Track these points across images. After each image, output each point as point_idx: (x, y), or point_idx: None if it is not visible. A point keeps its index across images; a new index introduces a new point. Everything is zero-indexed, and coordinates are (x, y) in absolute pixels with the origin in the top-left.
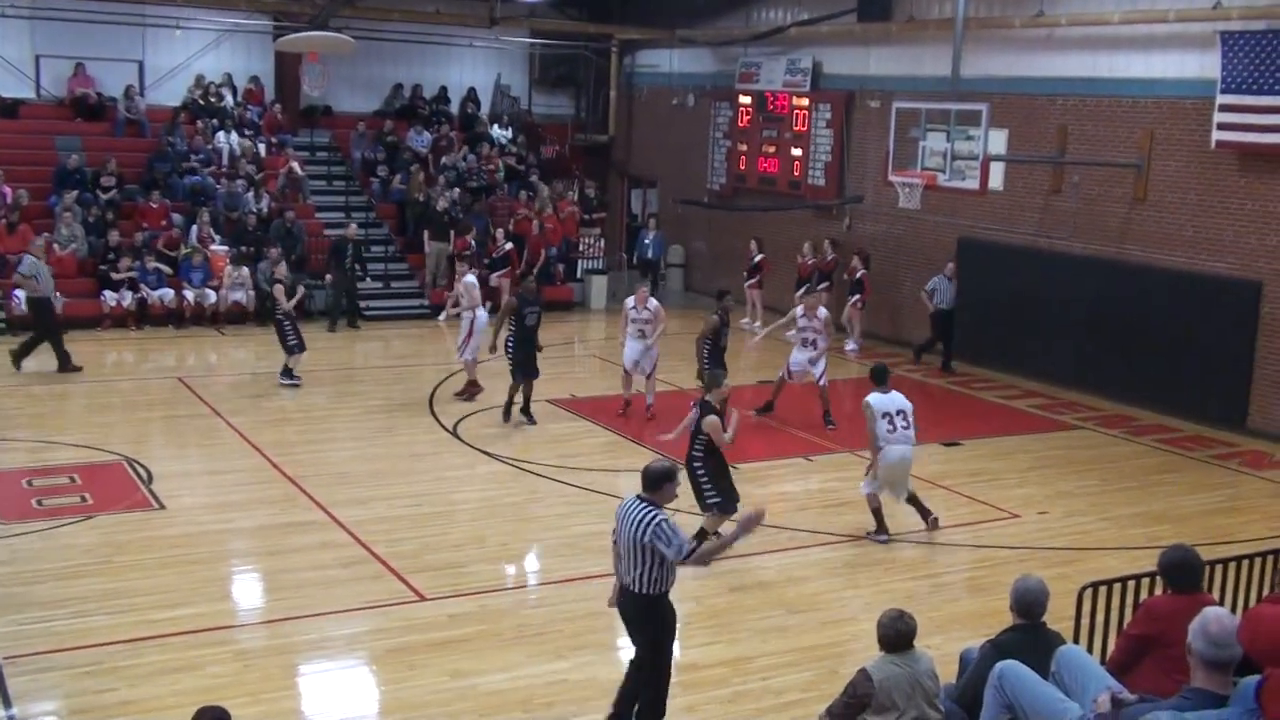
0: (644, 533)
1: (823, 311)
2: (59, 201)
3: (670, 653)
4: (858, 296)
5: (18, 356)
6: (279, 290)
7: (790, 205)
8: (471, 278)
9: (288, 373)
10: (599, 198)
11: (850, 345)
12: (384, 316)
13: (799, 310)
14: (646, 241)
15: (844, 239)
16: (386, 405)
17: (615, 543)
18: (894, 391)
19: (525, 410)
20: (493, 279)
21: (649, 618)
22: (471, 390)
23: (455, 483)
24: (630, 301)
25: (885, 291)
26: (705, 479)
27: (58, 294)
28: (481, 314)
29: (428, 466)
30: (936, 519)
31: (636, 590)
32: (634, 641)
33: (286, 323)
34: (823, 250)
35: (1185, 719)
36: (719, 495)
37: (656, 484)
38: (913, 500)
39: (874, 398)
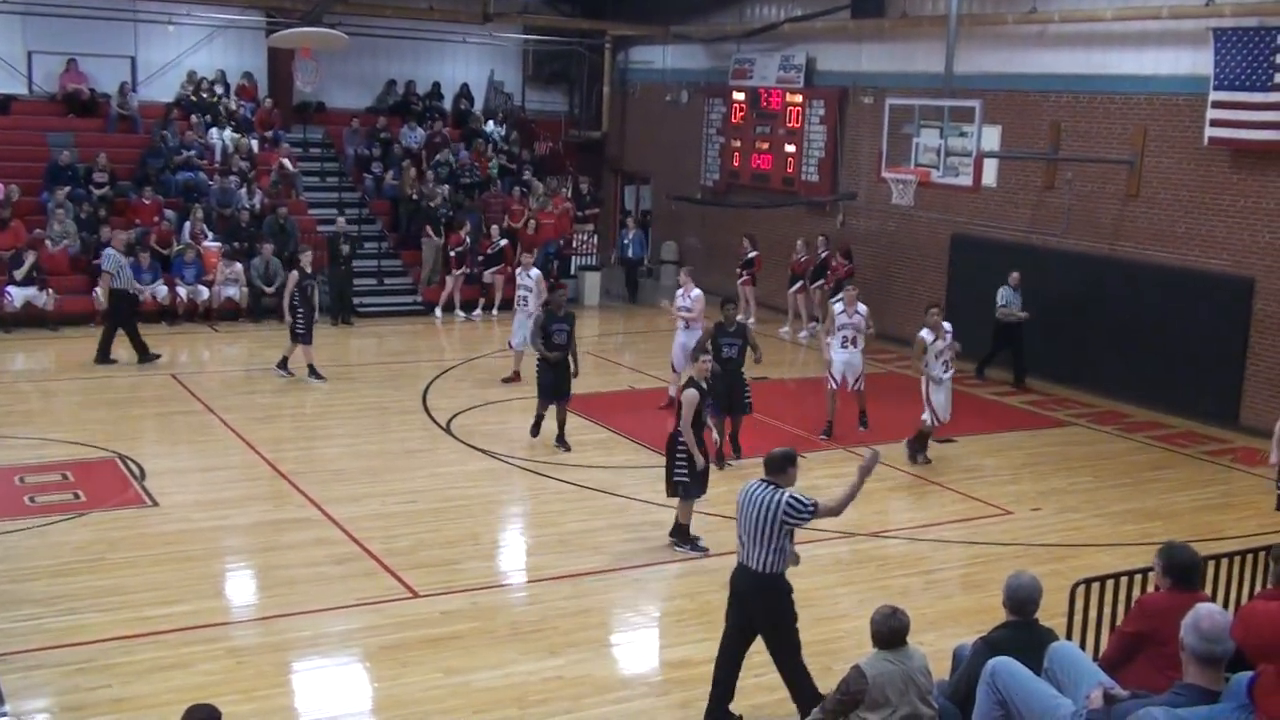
0: (773, 512)
1: (862, 306)
2: (51, 198)
3: (797, 632)
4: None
5: (101, 352)
6: (291, 278)
7: (784, 202)
8: (536, 271)
9: (284, 363)
10: (592, 194)
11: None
12: (377, 313)
13: (838, 307)
14: (626, 240)
15: (834, 235)
16: (380, 402)
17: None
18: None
19: (560, 439)
20: (486, 275)
21: (767, 597)
22: (513, 380)
23: (449, 479)
24: (679, 292)
25: (877, 287)
26: (682, 456)
27: (137, 287)
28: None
29: (421, 463)
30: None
31: (757, 569)
32: (736, 624)
33: (300, 311)
34: (815, 247)
35: (1178, 715)
36: (689, 476)
37: (780, 467)
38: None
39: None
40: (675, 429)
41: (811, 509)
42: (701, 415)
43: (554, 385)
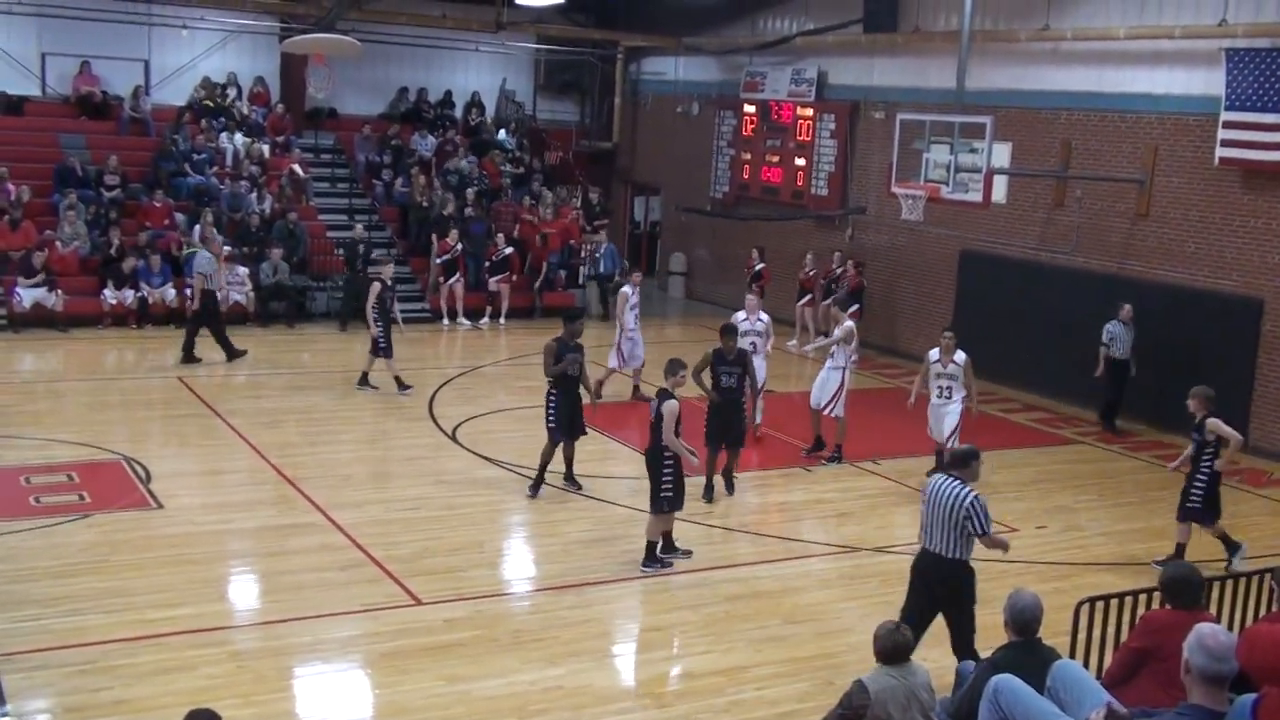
0: (957, 510)
1: (765, 316)
2: (62, 199)
3: (974, 615)
4: (856, 306)
5: (186, 351)
6: (374, 288)
7: (793, 215)
8: (627, 288)
9: (364, 379)
10: (602, 204)
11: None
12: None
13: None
14: (598, 254)
15: (845, 249)
16: (386, 408)
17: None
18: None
19: (568, 476)
20: (491, 284)
21: (952, 580)
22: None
23: (454, 487)
24: (740, 315)
25: (885, 302)
26: (669, 469)
27: (223, 288)
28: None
29: (426, 470)
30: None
31: (944, 555)
32: (915, 606)
33: (380, 324)
34: (825, 260)
35: None
36: (673, 490)
37: (965, 462)
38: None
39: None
40: (653, 443)
41: (983, 526)
42: (677, 426)
43: (569, 422)
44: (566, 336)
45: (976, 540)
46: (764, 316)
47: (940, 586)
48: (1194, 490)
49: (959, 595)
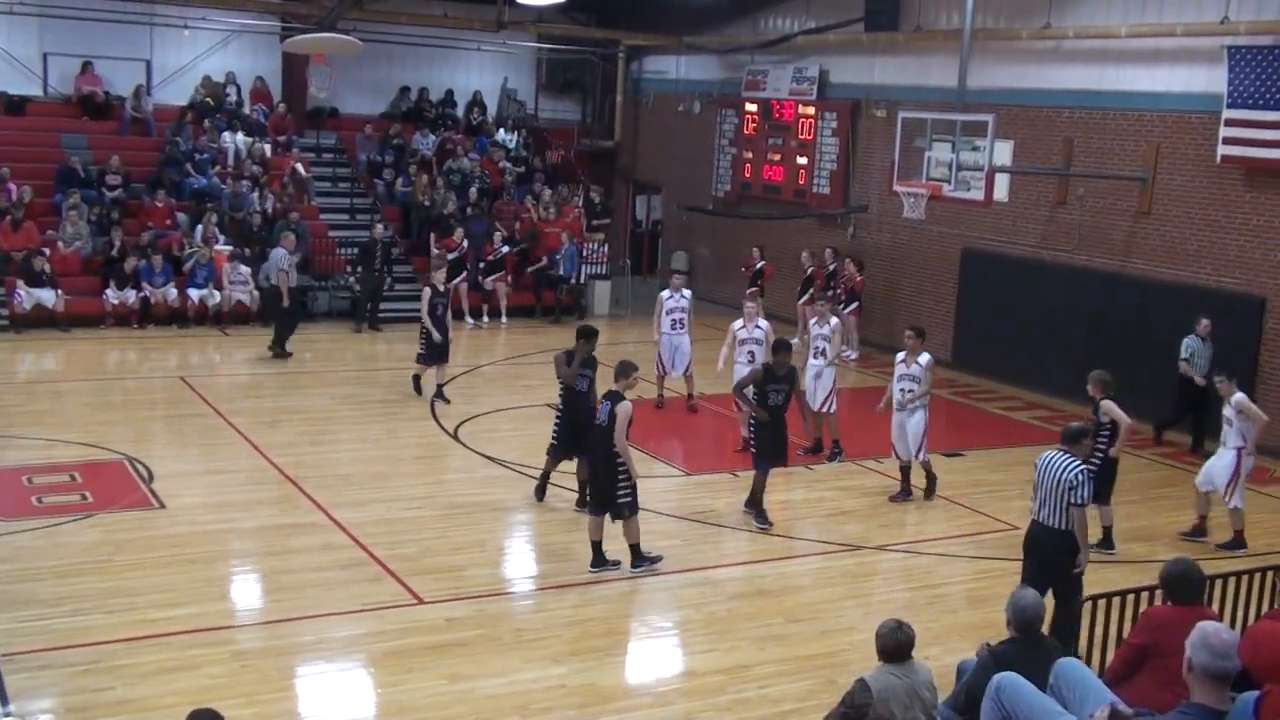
0: (1063, 484)
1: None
2: (64, 200)
3: (1081, 588)
4: (855, 304)
5: (280, 344)
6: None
7: (795, 214)
8: (689, 292)
9: (420, 386)
10: (604, 203)
11: (849, 353)
12: (387, 319)
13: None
14: (557, 256)
15: (844, 247)
16: (388, 407)
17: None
18: None
19: (581, 501)
20: (488, 282)
21: (1061, 550)
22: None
23: (456, 486)
24: (738, 323)
25: (886, 300)
26: (623, 474)
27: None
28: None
29: (428, 469)
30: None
31: (1052, 525)
32: (1031, 578)
33: (436, 328)
34: (821, 258)
35: None
36: (631, 495)
37: (1076, 439)
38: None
39: None
40: (602, 448)
41: (1083, 496)
42: (624, 429)
43: (570, 439)
44: (578, 354)
45: (1073, 515)
46: (763, 323)
47: (1050, 557)
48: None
49: (1067, 563)
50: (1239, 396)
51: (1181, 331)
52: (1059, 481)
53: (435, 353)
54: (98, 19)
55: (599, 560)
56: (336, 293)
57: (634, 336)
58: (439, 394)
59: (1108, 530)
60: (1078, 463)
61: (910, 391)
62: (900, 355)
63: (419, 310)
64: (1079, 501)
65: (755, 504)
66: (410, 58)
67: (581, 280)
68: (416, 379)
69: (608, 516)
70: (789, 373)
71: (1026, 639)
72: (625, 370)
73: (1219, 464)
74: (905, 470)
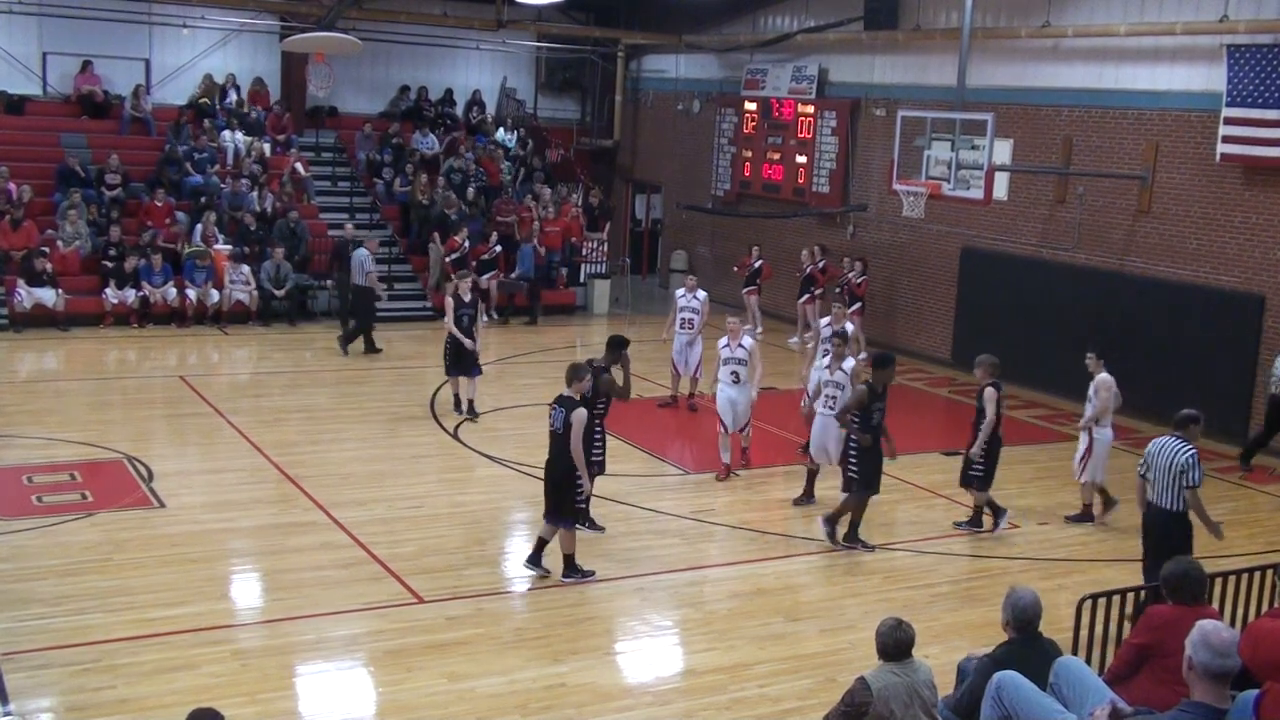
0: (1176, 463)
1: (702, 292)
2: (64, 199)
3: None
4: (858, 305)
5: (368, 345)
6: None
7: (794, 212)
8: (704, 293)
9: (470, 408)
10: (603, 203)
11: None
12: (387, 318)
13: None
14: (516, 255)
15: (843, 247)
16: (388, 406)
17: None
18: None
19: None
20: (483, 281)
21: (1175, 530)
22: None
23: (455, 485)
24: (722, 340)
25: (885, 299)
26: (578, 480)
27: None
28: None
29: (428, 468)
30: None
31: (1165, 507)
32: (1146, 552)
33: (448, 344)
34: (814, 256)
35: None
36: (584, 502)
37: (1186, 424)
38: None
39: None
40: (557, 454)
41: (1196, 478)
42: (580, 432)
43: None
44: (598, 383)
45: (1187, 499)
46: (746, 342)
47: (1166, 539)
48: (975, 461)
49: (1181, 543)
50: (1104, 376)
51: (1182, 331)
52: (1171, 465)
53: (463, 363)
54: (97, 18)
55: (535, 559)
56: (335, 292)
57: (632, 336)
58: (469, 408)
59: (978, 510)
60: (1189, 447)
61: (834, 400)
62: (825, 359)
63: (416, 310)
64: (1191, 484)
65: (854, 533)
66: (409, 57)
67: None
68: (457, 399)
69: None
70: (885, 390)
71: (1025, 638)
72: (578, 374)
73: (1080, 451)
74: (814, 475)
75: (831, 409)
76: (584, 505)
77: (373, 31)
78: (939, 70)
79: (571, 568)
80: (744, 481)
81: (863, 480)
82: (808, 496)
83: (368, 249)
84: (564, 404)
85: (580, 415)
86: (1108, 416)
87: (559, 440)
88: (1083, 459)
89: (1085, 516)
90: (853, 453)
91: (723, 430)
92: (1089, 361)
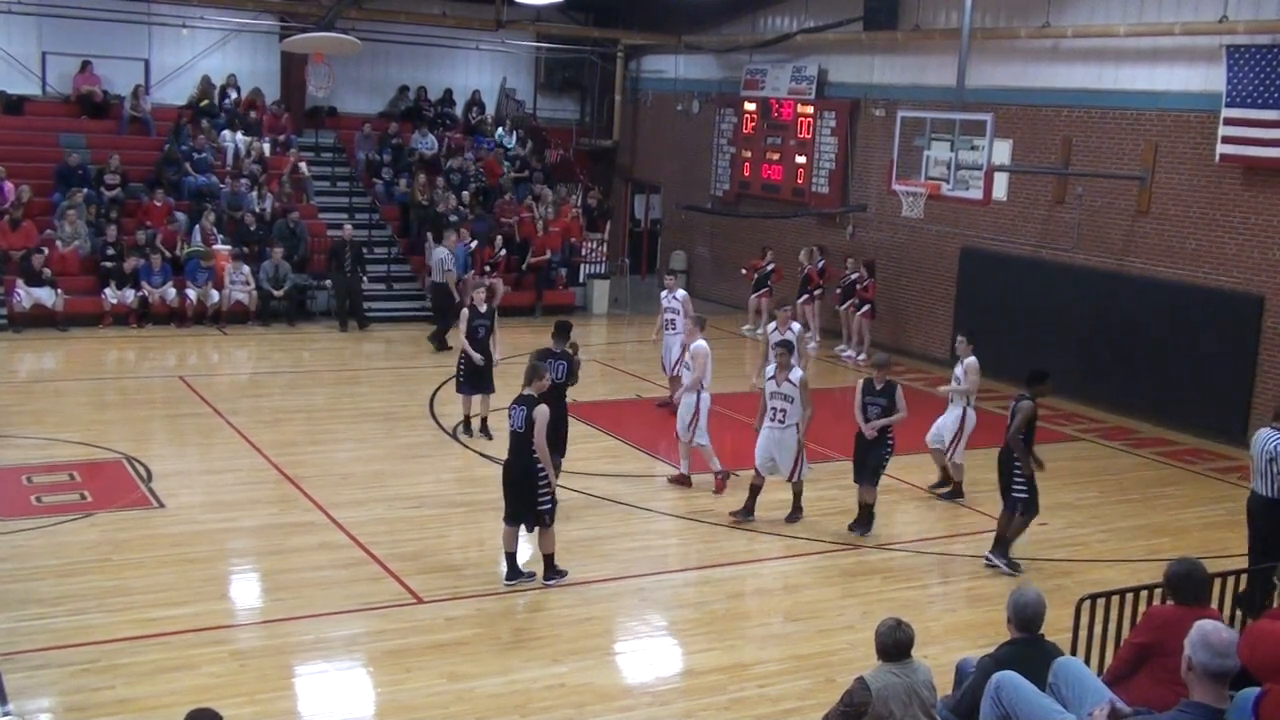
0: (1269, 448)
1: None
2: (63, 199)
3: None
4: (866, 308)
5: (439, 343)
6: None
7: (794, 213)
8: (683, 291)
9: (480, 424)
10: (602, 203)
11: (849, 353)
12: (386, 318)
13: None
14: (454, 252)
15: (843, 247)
16: (387, 406)
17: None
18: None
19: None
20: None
21: (1271, 516)
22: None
23: (455, 485)
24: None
25: (885, 299)
26: (544, 479)
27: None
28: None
29: (427, 468)
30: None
31: (1264, 494)
32: (1250, 537)
33: (463, 360)
34: (813, 257)
35: None
36: (551, 503)
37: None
38: None
39: None
40: (520, 455)
41: None
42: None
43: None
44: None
45: None
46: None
47: (1264, 520)
48: (885, 453)
49: (1268, 523)
50: (972, 360)
51: (1181, 331)
52: (1261, 453)
53: (476, 380)
54: (96, 18)
55: (514, 572)
56: (333, 292)
57: (632, 335)
58: (482, 428)
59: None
60: None
61: (782, 413)
62: (770, 372)
63: (416, 310)
64: None
65: (1004, 548)
66: (409, 57)
67: (581, 279)
68: (467, 420)
69: (522, 526)
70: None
71: (1027, 638)
72: (537, 372)
73: (946, 421)
74: (757, 489)
75: (781, 422)
76: (549, 506)
77: (372, 31)
78: (938, 70)
79: (552, 569)
80: (744, 482)
81: (1029, 501)
82: (747, 512)
83: (446, 246)
84: (524, 403)
85: (542, 412)
86: (973, 398)
87: (521, 440)
88: (954, 439)
89: (957, 493)
90: (1018, 473)
91: (682, 439)
92: (959, 344)
